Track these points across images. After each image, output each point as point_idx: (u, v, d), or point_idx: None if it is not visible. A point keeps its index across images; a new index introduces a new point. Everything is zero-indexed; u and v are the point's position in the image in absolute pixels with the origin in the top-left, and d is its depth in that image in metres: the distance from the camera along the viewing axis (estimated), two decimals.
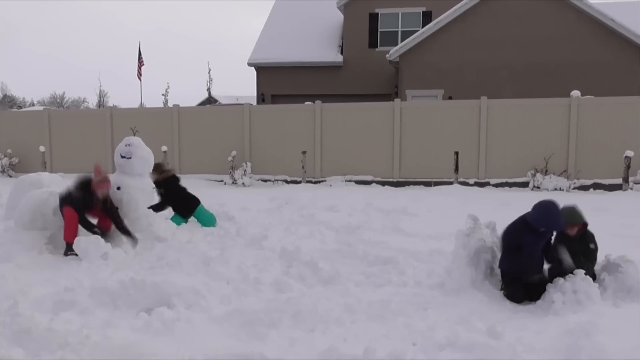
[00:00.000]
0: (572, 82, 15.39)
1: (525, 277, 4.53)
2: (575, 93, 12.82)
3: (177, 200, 7.53)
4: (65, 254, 5.67)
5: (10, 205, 7.24)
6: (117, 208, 6.14)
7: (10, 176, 15.26)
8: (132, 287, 4.29)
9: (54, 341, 3.44)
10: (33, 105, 52.56)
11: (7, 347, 3.34)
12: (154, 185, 7.23)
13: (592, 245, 4.66)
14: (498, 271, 4.93)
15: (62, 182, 7.12)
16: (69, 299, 4.19)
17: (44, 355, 3.32)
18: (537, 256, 4.62)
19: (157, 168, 7.39)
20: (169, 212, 7.75)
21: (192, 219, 7.55)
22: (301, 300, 4.27)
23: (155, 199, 7.48)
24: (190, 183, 9.18)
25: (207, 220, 7.47)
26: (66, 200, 5.82)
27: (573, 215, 4.64)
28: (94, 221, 6.04)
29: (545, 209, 4.46)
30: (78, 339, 3.42)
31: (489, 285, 4.72)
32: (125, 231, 6.02)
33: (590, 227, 4.74)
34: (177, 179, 7.67)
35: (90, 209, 5.91)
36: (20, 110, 30.58)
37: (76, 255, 5.55)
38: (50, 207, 5.97)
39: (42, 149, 15.27)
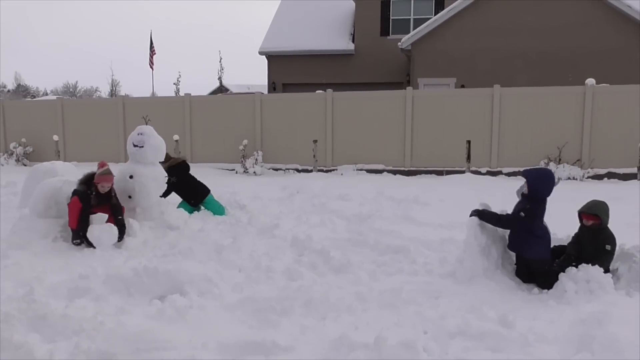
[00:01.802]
0: (587, 70, 15.14)
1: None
2: (590, 81, 12.63)
3: (186, 189, 7.55)
4: (73, 241, 5.68)
5: (25, 193, 7.32)
6: (122, 208, 5.97)
7: (25, 165, 15.44)
8: (145, 274, 4.33)
9: (69, 327, 3.50)
10: (46, 94, 53.01)
11: (23, 333, 3.39)
12: (166, 174, 7.26)
13: (608, 247, 4.41)
14: (511, 260, 4.90)
15: (76, 171, 7.18)
16: (83, 286, 4.25)
17: (59, 340, 3.37)
18: None
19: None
20: (177, 199, 7.76)
21: (203, 209, 7.58)
22: (312, 288, 4.29)
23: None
24: (202, 172, 9.24)
25: (217, 210, 7.49)
26: (74, 192, 5.78)
27: (590, 205, 4.56)
28: (104, 218, 5.79)
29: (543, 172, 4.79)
30: (93, 325, 3.47)
31: (500, 275, 4.70)
32: (121, 226, 5.80)
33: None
34: (187, 167, 7.70)
35: (93, 204, 5.73)
36: (34, 99, 30.82)
37: (86, 242, 5.61)
38: (64, 195, 6.01)
39: (55, 138, 15.40)
